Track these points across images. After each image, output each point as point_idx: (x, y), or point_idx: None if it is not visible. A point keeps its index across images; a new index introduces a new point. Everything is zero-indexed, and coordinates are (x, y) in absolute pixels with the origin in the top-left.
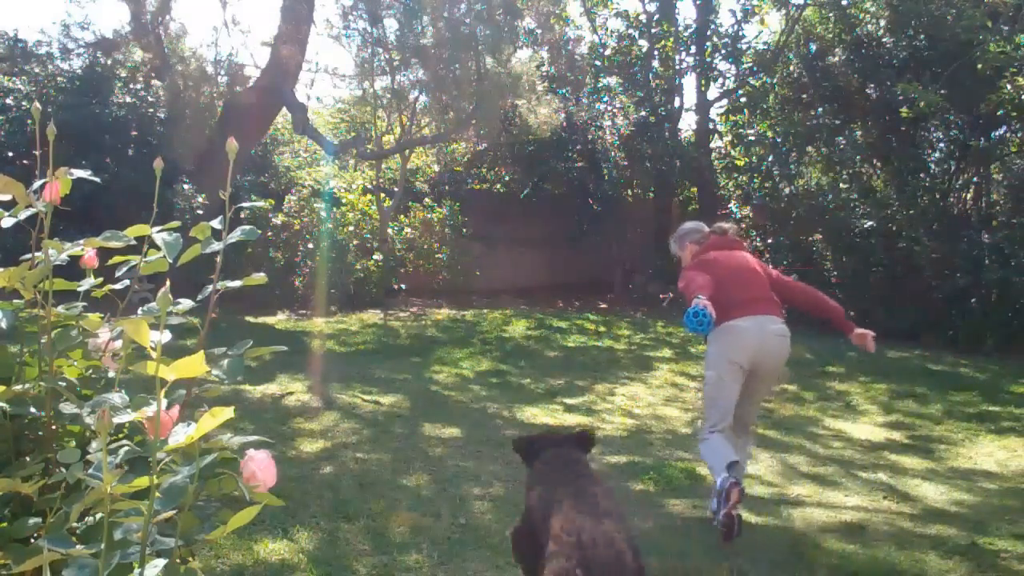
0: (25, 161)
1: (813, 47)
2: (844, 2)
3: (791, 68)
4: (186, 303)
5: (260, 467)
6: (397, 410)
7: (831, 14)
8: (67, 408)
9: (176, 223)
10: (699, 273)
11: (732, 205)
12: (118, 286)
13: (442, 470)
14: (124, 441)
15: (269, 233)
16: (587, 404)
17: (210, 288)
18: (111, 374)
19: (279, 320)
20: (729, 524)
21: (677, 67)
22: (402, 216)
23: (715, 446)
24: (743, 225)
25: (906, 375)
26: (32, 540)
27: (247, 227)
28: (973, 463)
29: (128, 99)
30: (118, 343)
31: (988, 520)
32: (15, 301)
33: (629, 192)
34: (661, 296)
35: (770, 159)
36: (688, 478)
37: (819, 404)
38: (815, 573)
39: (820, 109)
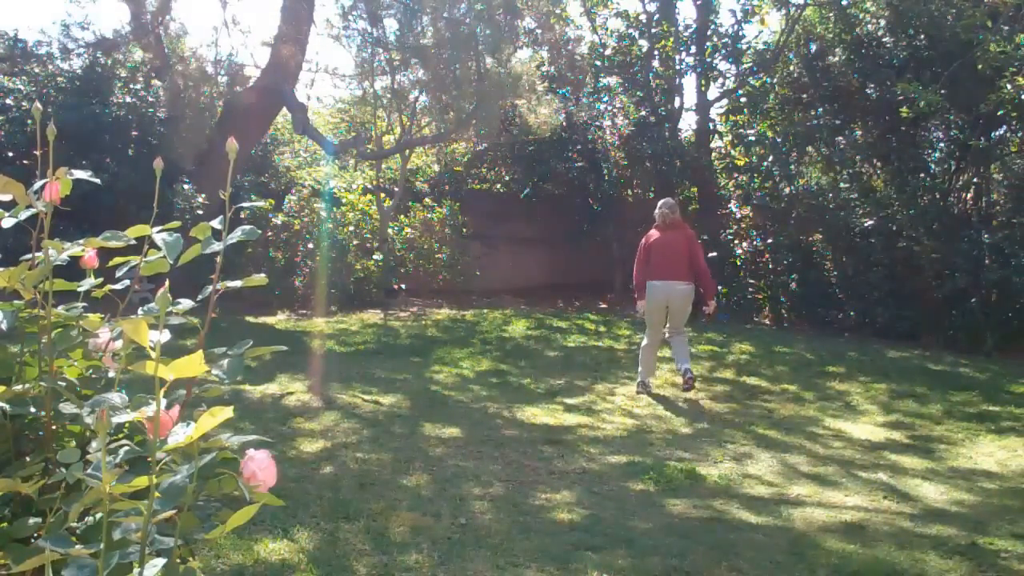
0: (25, 161)
1: (813, 47)
2: (844, 2)
3: (791, 68)
4: (186, 303)
5: (260, 467)
6: (397, 410)
7: (831, 14)
8: (67, 408)
9: (176, 223)
10: (639, 259)
11: (732, 205)
12: (118, 286)
13: (442, 470)
14: (124, 441)
15: (269, 233)
16: (587, 404)
17: (210, 288)
18: (111, 374)
19: (279, 320)
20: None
21: (677, 67)
22: (402, 216)
23: (646, 357)
24: (742, 224)
25: (906, 375)
26: (32, 540)
27: (247, 227)
28: (973, 463)
29: (128, 99)
30: (118, 343)
31: (988, 520)
32: (15, 301)
33: (629, 192)
34: None
35: (770, 159)
36: (688, 478)
37: (819, 404)
38: (815, 573)
39: (820, 109)
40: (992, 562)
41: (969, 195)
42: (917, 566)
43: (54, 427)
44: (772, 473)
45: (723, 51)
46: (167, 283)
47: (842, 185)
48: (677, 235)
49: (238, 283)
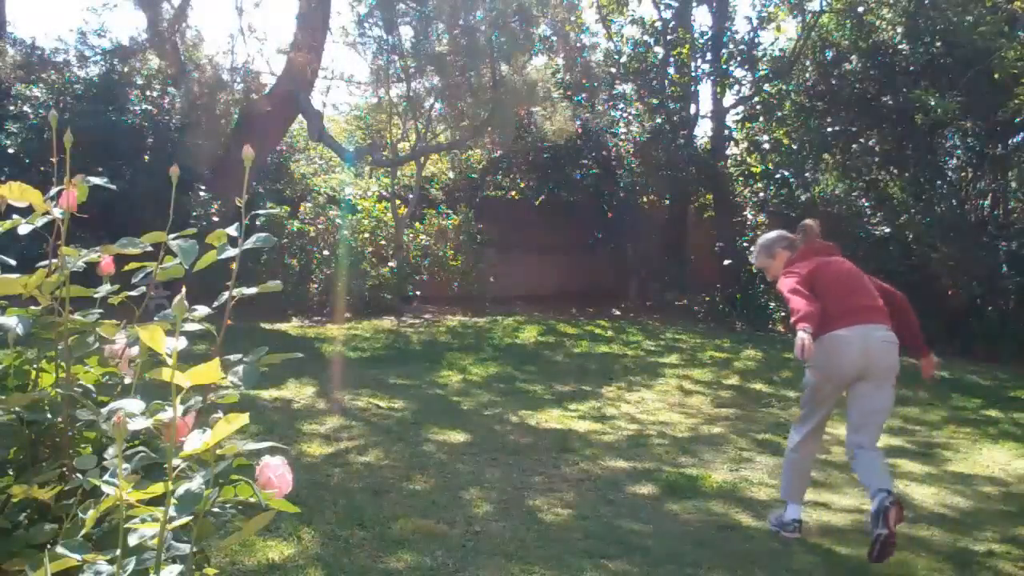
0: (42, 168)
1: (829, 54)
2: (860, 9)
3: (807, 75)
4: (202, 310)
5: (275, 474)
6: (409, 416)
7: (847, 21)
8: (83, 414)
9: (192, 230)
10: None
11: (748, 212)
12: (135, 293)
13: (454, 476)
14: (140, 447)
15: (284, 240)
16: (595, 409)
17: (226, 295)
18: (127, 380)
19: (293, 326)
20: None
21: (693, 74)
22: (417, 223)
23: (798, 468)
24: (758, 232)
25: (911, 381)
26: (49, 546)
27: (263, 234)
28: (974, 468)
29: (144, 107)
30: (134, 350)
31: (987, 525)
32: (32, 308)
33: (644, 199)
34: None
35: (786, 166)
36: (698, 484)
37: None
38: None
39: (836, 116)
40: (994, 566)
41: (986, 203)
42: (925, 573)
43: (71, 433)
44: (773, 477)
45: (739, 58)
46: (184, 290)
47: (857, 192)
48: (846, 260)
49: (253, 290)
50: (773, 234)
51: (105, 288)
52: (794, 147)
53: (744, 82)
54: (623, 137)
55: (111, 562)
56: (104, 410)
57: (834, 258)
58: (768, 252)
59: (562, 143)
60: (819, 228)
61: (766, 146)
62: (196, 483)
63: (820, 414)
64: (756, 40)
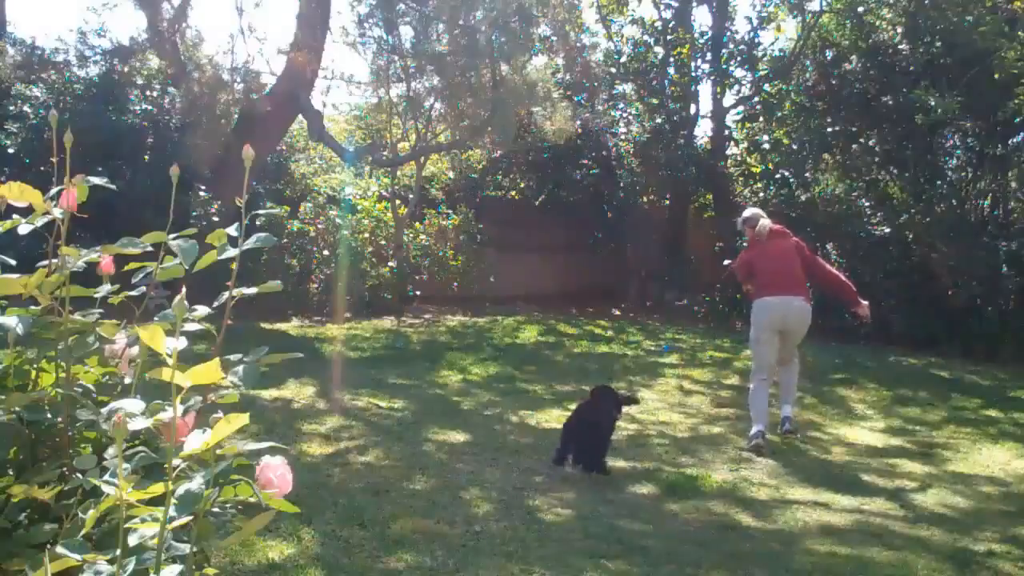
0: (42, 168)
1: (829, 54)
2: (860, 9)
3: (807, 75)
4: (202, 310)
5: (275, 474)
6: (409, 416)
7: (847, 21)
8: (84, 414)
9: (192, 230)
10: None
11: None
12: (135, 293)
13: (454, 476)
14: (140, 447)
15: (284, 240)
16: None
17: (226, 295)
18: (127, 380)
19: (293, 326)
20: (756, 449)
21: (693, 74)
22: (417, 223)
23: (757, 398)
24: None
25: (912, 382)
26: (49, 546)
27: (263, 234)
28: (974, 468)
29: (144, 106)
30: (134, 350)
31: (987, 525)
32: (32, 308)
33: (644, 199)
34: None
35: (786, 166)
36: (697, 484)
37: (823, 409)
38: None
39: (836, 116)
40: (993, 565)
41: (986, 203)
42: (925, 572)
43: (71, 433)
44: (773, 477)
45: (739, 58)
46: (184, 290)
47: (856, 193)
48: (783, 244)
49: (253, 290)
50: (748, 213)
51: (105, 288)
52: (794, 147)
53: (744, 82)
54: (623, 137)
55: (111, 562)
56: (104, 410)
57: (775, 243)
58: (740, 227)
59: (562, 143)
60: (767, 230)
61: (766, 146)
62: (196, 483)
63: (765, 358)
64: (756, 40)
